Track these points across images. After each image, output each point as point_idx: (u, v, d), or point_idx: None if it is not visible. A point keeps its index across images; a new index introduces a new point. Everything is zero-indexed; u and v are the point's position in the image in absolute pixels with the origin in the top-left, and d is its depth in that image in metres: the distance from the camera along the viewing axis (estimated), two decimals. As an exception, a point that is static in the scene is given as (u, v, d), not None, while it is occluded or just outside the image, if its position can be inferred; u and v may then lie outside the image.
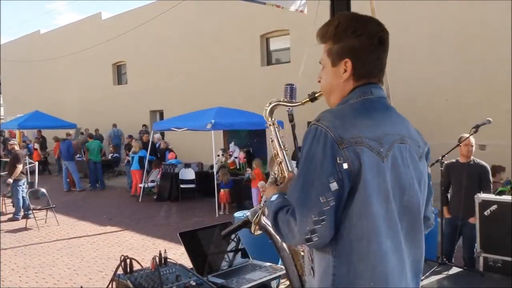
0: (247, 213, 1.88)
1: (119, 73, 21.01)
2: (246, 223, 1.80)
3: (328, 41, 1.43)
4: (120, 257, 2.56)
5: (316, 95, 1.61)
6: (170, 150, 12.81)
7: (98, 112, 20.01)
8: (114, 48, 18.89)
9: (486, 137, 7.04)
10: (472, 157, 4.78)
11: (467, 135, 4.62)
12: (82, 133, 18.08)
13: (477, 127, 4.26)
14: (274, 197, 1.45)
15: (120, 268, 2.54)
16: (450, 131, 7.14)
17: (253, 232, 1.78)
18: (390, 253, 1.31)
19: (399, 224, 1.35)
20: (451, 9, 10.22)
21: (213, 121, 9.59)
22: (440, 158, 4.32)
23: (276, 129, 1.73)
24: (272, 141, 1.75)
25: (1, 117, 26.49)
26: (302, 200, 1.29)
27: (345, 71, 1.40)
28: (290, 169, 1.67)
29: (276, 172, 1.69)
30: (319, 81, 1.51)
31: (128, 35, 17.27)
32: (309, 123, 1.47)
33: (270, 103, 1.76)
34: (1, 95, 29.20)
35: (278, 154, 1.71)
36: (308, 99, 1.65)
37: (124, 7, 70.07)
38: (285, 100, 1.74)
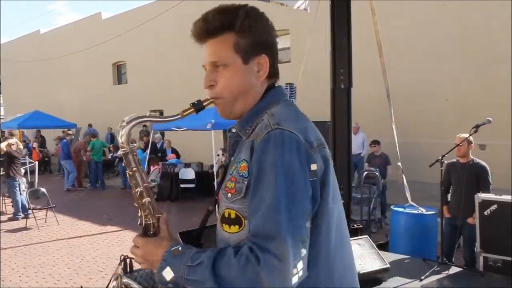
0: None
1: (119, 73, 21.01)
2: None
3: (232, 32, 1.17)
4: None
5: (205, 103, 1.24)
6: (174, 150, 12.89)
7: (98, 112, 20.00)
8: (114, 48, 18.89)
9: (486, 137, 7.05)
10: (472, 157, 4.78)
11: (463, 135, 4.62)
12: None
13: (477, 127, 4.26)
14: (169, 254, 1.09)
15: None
16: (450, 131, 7.13)
17: None
18: (350, 259, 1.24)
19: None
20: (451, 9, 10.22)
21: (213, 121, 9.58)
22: (440, 158, 4.31)
23: (136, 158, 1.22)
24: (131, 175, 1.21)
25: (1, 117, 26.49)
26: (290, 227, 0.99)
27: (259, 69, 1.19)
28: (158, 211, 1.24)
29: (143, 219, 1.23)
30: (211, 86, 1.21)
31: (128, 35, 17.27)
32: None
33: (129, 122, 1.18)
34: (1, 95, 29.20)
35: (143, 193, 1.22)
36: (192, 110, 1.24)
37: (124, 7, 70.34)
38: (153, 115, 1.27)
